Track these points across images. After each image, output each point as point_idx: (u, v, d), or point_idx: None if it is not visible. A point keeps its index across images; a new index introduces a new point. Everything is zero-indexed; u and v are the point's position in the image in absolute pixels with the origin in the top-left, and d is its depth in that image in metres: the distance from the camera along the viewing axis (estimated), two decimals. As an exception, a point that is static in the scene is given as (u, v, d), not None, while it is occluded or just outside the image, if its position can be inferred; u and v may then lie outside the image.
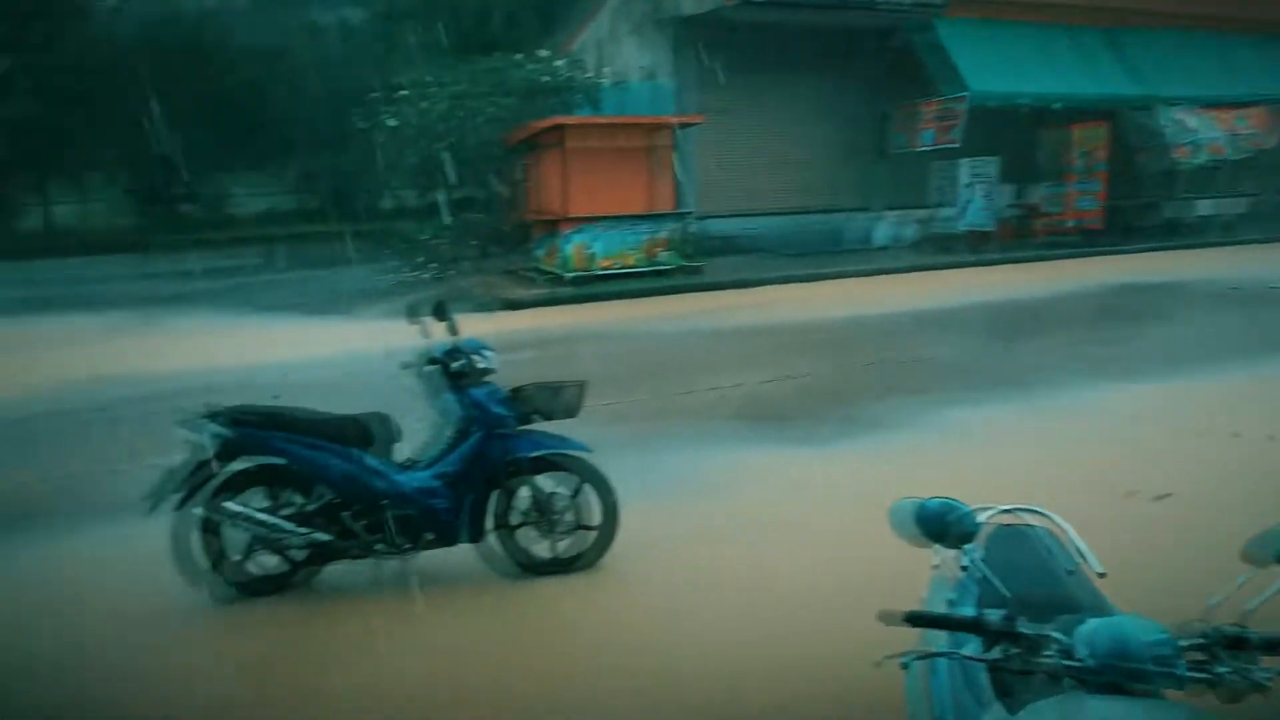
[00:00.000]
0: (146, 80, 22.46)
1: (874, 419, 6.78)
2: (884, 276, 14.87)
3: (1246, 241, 17.90)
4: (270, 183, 28.58)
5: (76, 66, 23.14)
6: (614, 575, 4.33)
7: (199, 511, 4.01)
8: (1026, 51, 17.24)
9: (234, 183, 27.96)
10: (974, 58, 16.33)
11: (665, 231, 14.21)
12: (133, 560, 4.40)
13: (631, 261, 14.00)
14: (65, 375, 9.26)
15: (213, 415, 4.02)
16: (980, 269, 15.49)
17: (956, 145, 16.41)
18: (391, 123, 16.05)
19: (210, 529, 4.05)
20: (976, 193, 17.21)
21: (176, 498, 3.96)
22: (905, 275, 14.98)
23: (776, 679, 3.41)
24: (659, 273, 14.06)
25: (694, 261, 14.45)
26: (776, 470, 5.75)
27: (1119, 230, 18.05)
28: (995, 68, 16.45)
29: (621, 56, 19.16)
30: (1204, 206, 18.85)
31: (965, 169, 17.08)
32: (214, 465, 3.99)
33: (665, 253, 14.17)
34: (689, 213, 15.31)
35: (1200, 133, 17.63)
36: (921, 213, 18.23)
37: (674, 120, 15.13)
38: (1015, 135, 17.86)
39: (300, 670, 3.64)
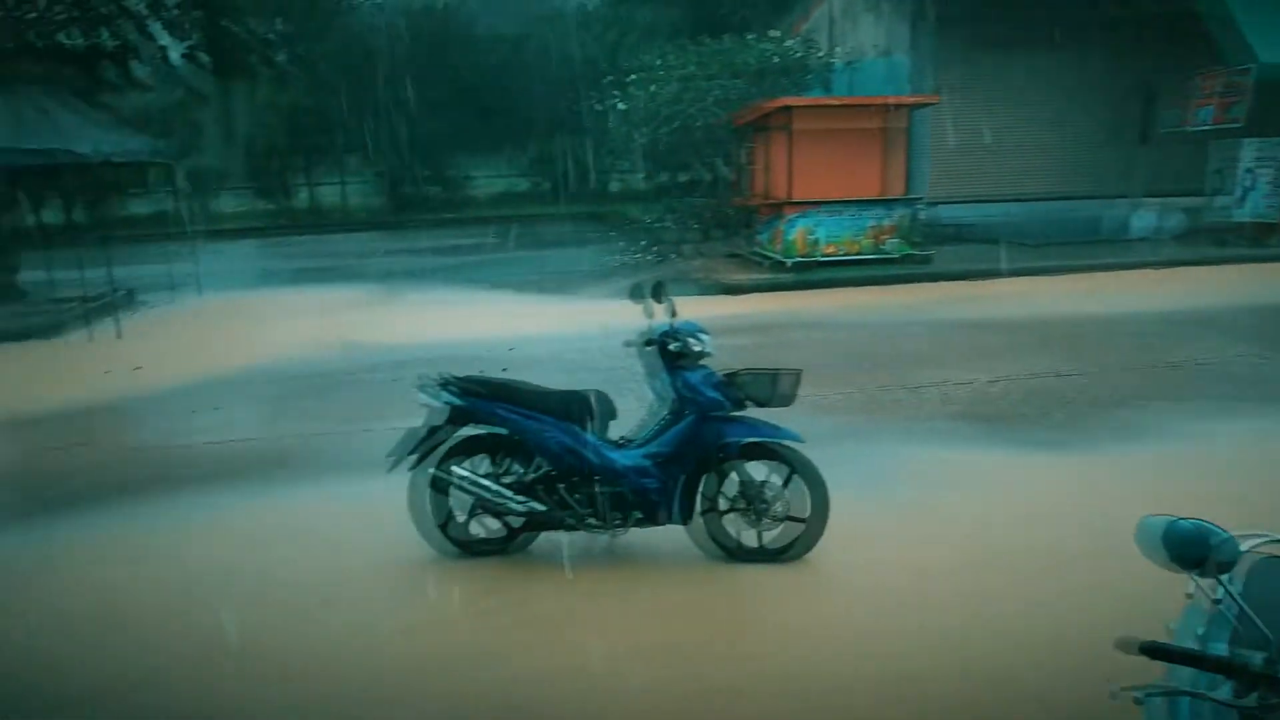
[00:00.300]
0: (399, 70, 24.38)
1: (1120, 427, 6.16)
2: (1142, 271, 13.43)
3: None
4: (506, 165, 30.20)
5: (339, 59, 25.43)
6: (817, 569, 4.20)
7: (430, 472, 4.29)
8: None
9: (474, 165, 29.78)
10: (1264, 23, 14.36)
11: (893, 218, 13.62)
12: (374, 512, 4.79)
13: (856, 248, 13.55)
14: (318, 340, 10.17)
15: (445, 384, 4.28)
16: (1262, 265, 13.67)
17: (1239, 124, 14.55)
18: (621, 106, 16.43)
19: (440, 489, 4.32)
20: (1260, 178, 15.18)
21: (412, 458, 4.26)
22: (1168, 270, 13.46)
23: (992, 696, 3.16)
24: (885, 261, 13.51)
25: (923, 250, 13.77)
26: (1002, 476, 5.34)
27: None
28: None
29: (856, 34, 18.53)
30: None
31: (1248, 151, 15.12)
32: (445, 430, 4.26)
33: (892, 240, 13.60)
34: (919, 198, 14.59)
35: None
36: (1191, 201, 16.33)
37: (908, 100, 14.44)
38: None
39: (507, 629, 3.78)
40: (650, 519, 4.26)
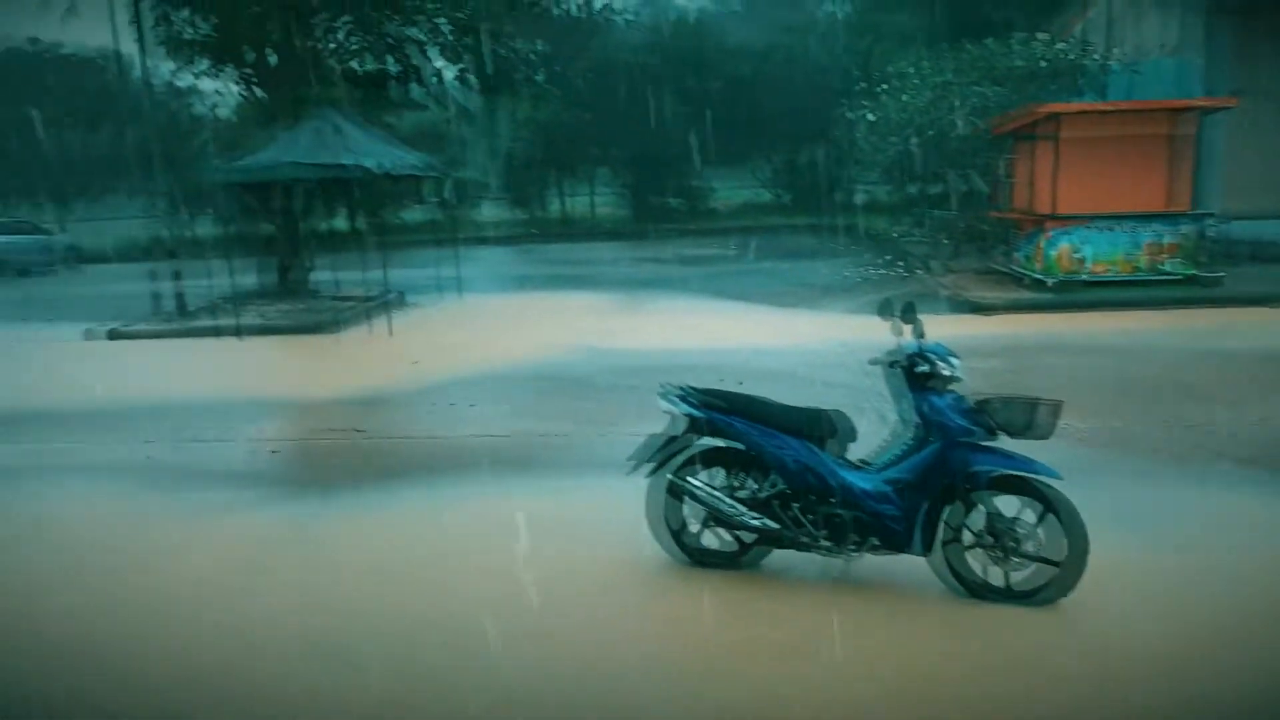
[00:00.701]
0: (649, 84, 25.10)
1: None
2: None
3: None
4: (750, 177, 30.30)
5: (593, 76, 26.59)
6: (1073, 616, 3.83)
7: (665, 480, 4.35)
8: None
9: (717, 177, 30.12)
10: None
11: (1176, 235, 12.24)
12: (612, 513, 4.93)
13: (1129, 268, 12.31)
14: (565, 343, 10.65)
15: (685, 395, 4.33)
16: None
17: None
18: (871, 117, 15.96)
19: (675, 497, 4.37)
20: None
21: (650, 464, 4.34)
22: None
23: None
24: (1165, 282, 12.17)
25: (1211, 271, 12.28)
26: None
27: None
28: None
29: (1139, 33, 16.87)
30: None
31: None
32: (683, 440, 4.31)
33: (1173, 259, 12.23)
34: (1209, 214, 13.03)
35: None
36: None
37: (1197, 104, 12.91)
38: None
39: (731, 645, 3.73)
40: (887, 546, 4.09)
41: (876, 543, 4.08)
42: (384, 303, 13.47)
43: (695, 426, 4.28)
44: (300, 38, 15.30)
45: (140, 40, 15.76)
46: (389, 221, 21.64)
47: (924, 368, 4.01)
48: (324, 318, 13.27)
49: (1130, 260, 12.31)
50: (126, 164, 26.31)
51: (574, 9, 23.93)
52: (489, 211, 30.36)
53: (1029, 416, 3.88)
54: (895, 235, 16.41)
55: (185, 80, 20.53)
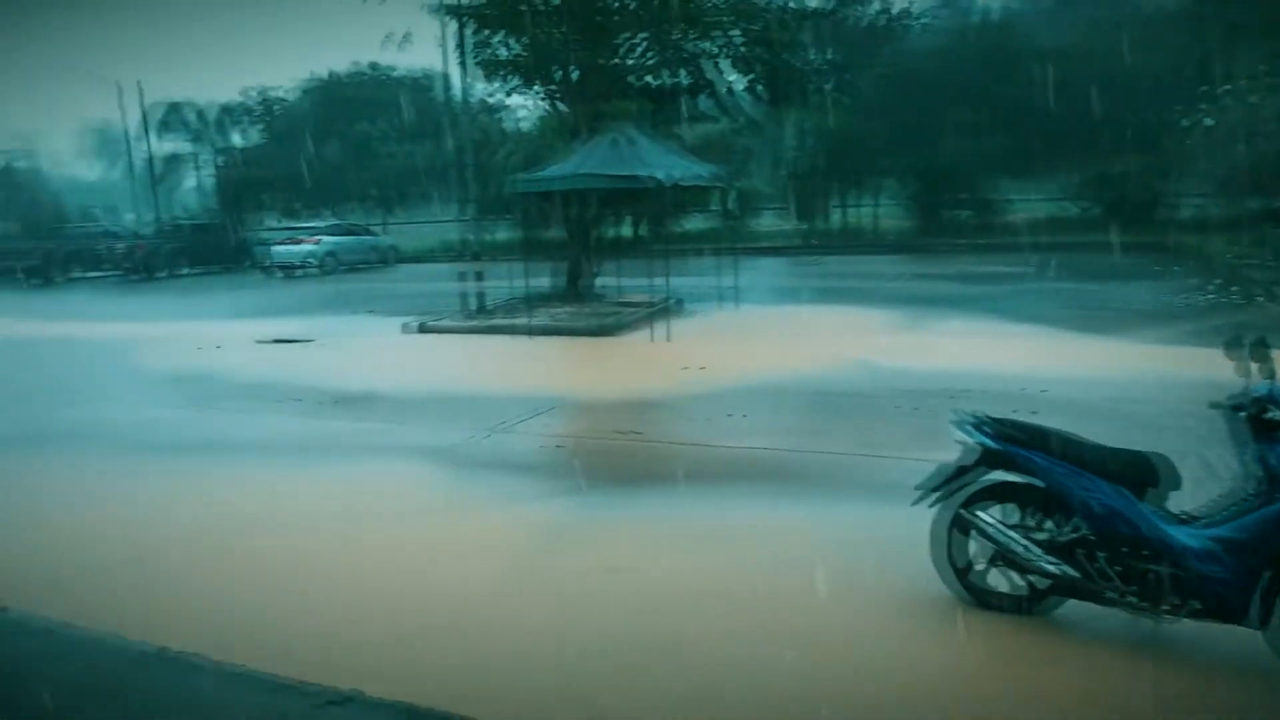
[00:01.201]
0: (944, 91, 23.87)
1: None
2: None
3: None
4: (1054, 189, 27.92)
5: (884, 83, 25.71)
6: None
7: (954, 512, 4.07)
8: None
9: (1015, 189, 28.10)
10: None
11: None
12: (884, 544, 4.70)
13: None
14: (840, 357, 10.36)
15: (980, 423, 4.04)
16: None
17: None
18: (1209, 121, 14.10)
19: (963, 532, 4.08)
20: None
21: (936, 495, 4.08)
22: None
23: None
24: None
25: None
26: None
27: None
28: None
29: None
30: None
31: None
32: (975, 471, 4.03)
33: None
34: None
35: None
36: None
37: None
38: None
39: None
40: (1213, 612, 3.54)
41: (1198, 606, 3.56)
42: (664, 309, 13.85)
43: (989, 458, 3.97)
44: (601, 55, 16.16)
45: (462, 62, 17.45)
46: (674, 230, 22.32)
47: (1275, 414, 3.44)
48: (607, 321, 13.91)
49: None
50: (442, 174, 29.34)
51: (868, 16, 23.31)
52: (771, 221, 30.44)
53: None
54: (1230, 256, 14.34)
55: (497, 97, 22.43)
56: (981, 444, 3.96)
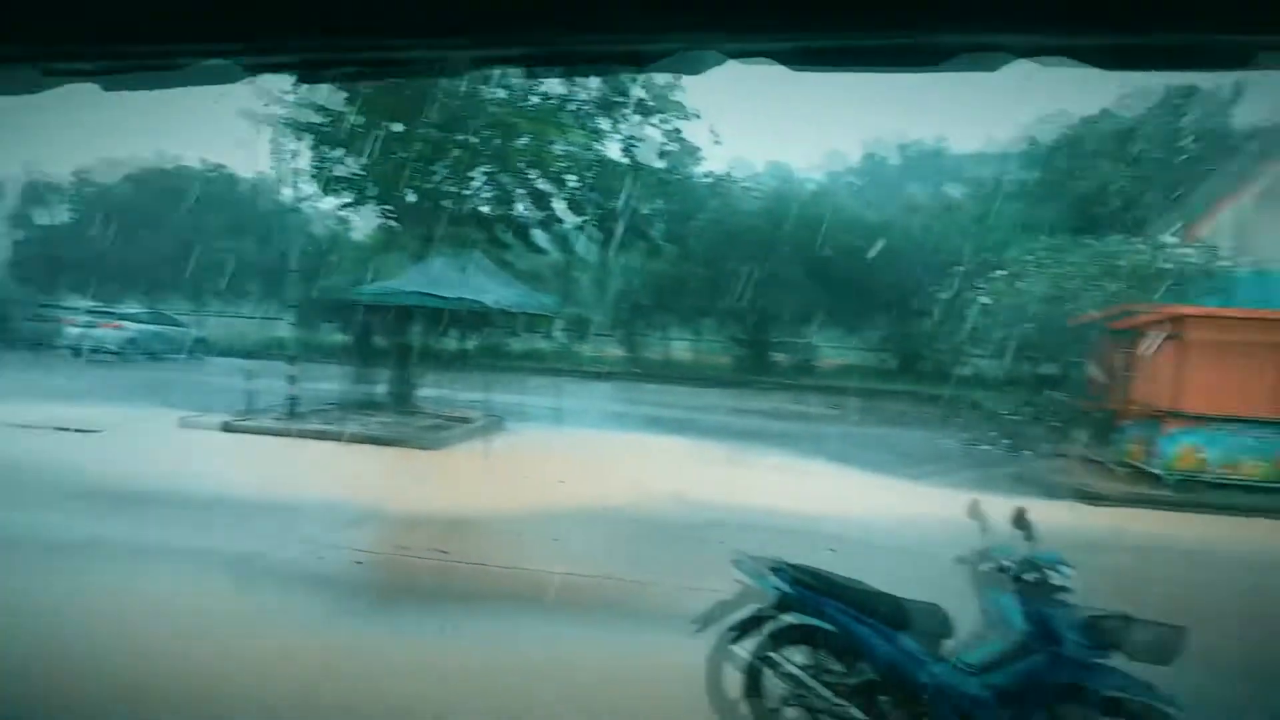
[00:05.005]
0: (761, 245, 25.85)
1: None
2: None
3: None
4: (853, 340, 30.40)
5: (706, 234, 27.55)
6: None
7: (744, 651, 4.18)
8: None
9: (822, 337, 30.29)
10: None
11: (1310, 446, 11.60)
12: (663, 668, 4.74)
13: (1259, 473, 11.66)
14: (657, 489, 10.55)
15: (777, 569, 4.20)
16: None
17: None
18: (985, 299, 15.94)
19: (750, 670, 4.19)
20: None
21: (729, 633, 4.20)
22: None
23: None
24: (1293, 493, 11.46)
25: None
26: None
27: None
28: None
29: (1269, 242, 16.54)
30: None
31: None
32: (769, 614, 4.17)
33: (1307, 471, 11.54)
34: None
35: None
36: None
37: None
38: None
39: None
40: None
41: None
42: (484, 426, 13.77)
43: (785, 603, 4.16)
44: (438, 183, 16.40)
45: (294, 170, 17.24)
46: (499, 351, 22.44)
47: (1034, 576, 3.83)
48: (424, 434, 13.63)
49: (1259, 465, 11.67)
50: (267, 274, 28.38)
51: (696, 176, 25.16)
52: (596, 349, 31.19)
53: (1147, 641, 3.62)
54: (1002, 412, 16.00)
55: (328, 204, 22.18)
56: (779, 590, 4.13)
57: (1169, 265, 14.87)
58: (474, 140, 15.97)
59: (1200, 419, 11.82)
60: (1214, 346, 12.10)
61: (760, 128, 74.78)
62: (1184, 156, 23.04)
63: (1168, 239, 15.70)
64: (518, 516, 8.96)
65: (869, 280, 26.24)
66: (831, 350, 30.84)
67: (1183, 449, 11.82)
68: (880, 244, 24.03)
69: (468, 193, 17.47)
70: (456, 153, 16.05)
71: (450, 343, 21.59)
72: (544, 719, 4.47)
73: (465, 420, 14.44)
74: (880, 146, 52.02)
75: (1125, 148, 23.76)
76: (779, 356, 29.78)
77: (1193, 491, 11.56)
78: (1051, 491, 11.73)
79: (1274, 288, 14.69)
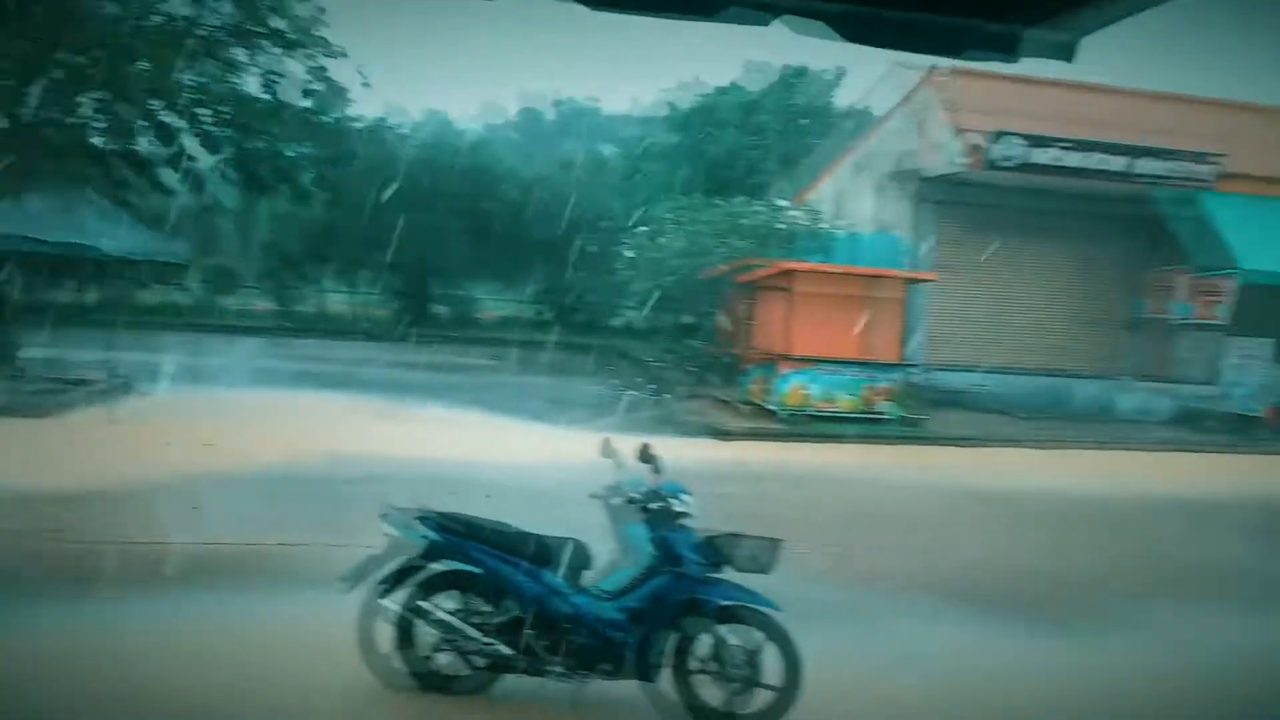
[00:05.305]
0: (418, 196, 25.34)
1: (1109, 617, 6.18)
2: (1130, 453, 13.62)
3: None
4: (513, 293, 31.05)
5: (359, 181, 26.45)
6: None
7: (395, 604, 4.23)
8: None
9: (480, 290, 30.56)
10: (1246, 234, 15.09)
11: (887, 380, 13.94)
12: (318, 633, 4.63)
13: (848, 406, 13.78)
14: (307, 448, 10.13)
15: (424, 518, 4.27)
16: (1246, 456, 13.89)
17: (1221, 322, 15.10)
18: (630, 253, 17.07)
19: (401, 621, 4.25)
20: (1245, 373, 15.69)
21: (378, 586, 4.22)
22: (1156, 453, 13.65)
23: None
24: (878, 420, 13.72)
25: (915, 414, 14.00)
26: (984, 658, 5.31)
27: None
28: (1271, 245, 15.09)
29: (857, 208, 19.40)
30: None
31: (1234, 348, 15.65)
32: (418, 563, 4.25)
33: (886, 402, 13.86)
34: (915, 365, 14.96)
35: None
36: (1173, 386, 16.76)
37: (906, 275, 15.05)
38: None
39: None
40: (617, 672, 4.20)
41: (609, 669, 4.18)
42: (106, 389, 12.31)
43: (432, 551, 4.24)
44: (39, 106, 14.08)
45: None
46: (124, 303, 19.98)
47: (659, 505, 4.27)
48: (30, 401, 11.84)
49: (850, 399, 13.78)
50: None
51: (345, 119, 23.89)
52: (242, 302, 28.86)
53: (751, 554, 4.22)
54: (647, 361, 17.38)
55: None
56: (426, 538, 4.23)
57: (782, 226, 16.92)
58: (81, 60, 13.86)
59: (806, 361, 13.68)
60: (816, 297, 14.05)
61: (414, 74, 72.52)
62: (796, 130, 26.05)
63: (781, 202, 17.79)
64: (153, 486, 8.17)
65: (526, 234, 26.86)
66: (492, 303, 31.22)
67: (792, 387, 13.64)
68: (537, 198, 24.65)
69: (75, 121, 15.20)
70: (58, 73, 13.87)
71: (63, 295, 18.88)
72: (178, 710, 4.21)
73: (84, 383, 12.79)
74: (537, 100, 52.87)
75: (750, 118, 26.39)
76: (439, 309, 29.58)
77: (800, 424, 13.41)
78: (688, 430, 12.99)
79: (863, 247, 17.33)
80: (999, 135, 14.95)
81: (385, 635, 4.24)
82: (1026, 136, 15.08)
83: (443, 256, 26.74)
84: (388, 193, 25.37)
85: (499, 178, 28.18)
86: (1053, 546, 7.95)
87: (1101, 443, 13.96)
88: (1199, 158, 15.51)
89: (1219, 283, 15.11)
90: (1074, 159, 15.20)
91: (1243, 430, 15.20)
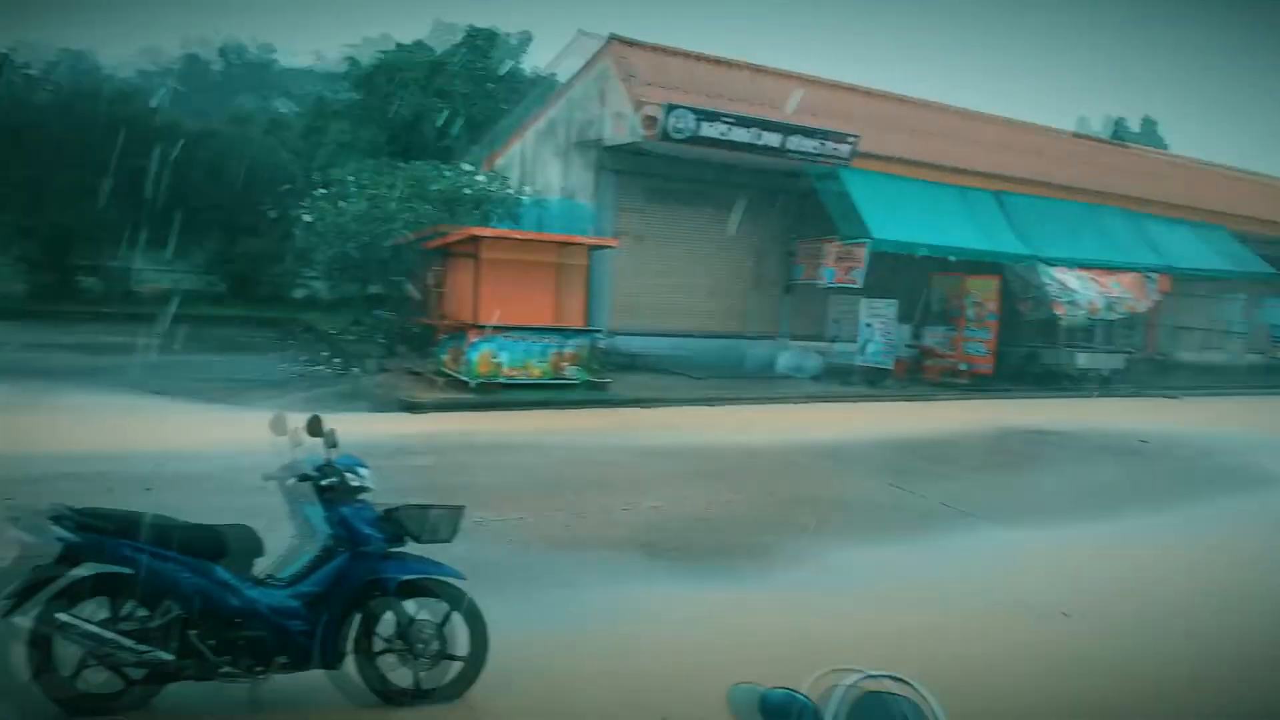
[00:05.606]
0: (56, 151, 22.08)
1: (763, 553, 6.90)
2: (786, 405, 15.29)
3: (1122, 394, 19.13)
4: (178, 262, 27.96)
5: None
6: (479, 709, 4.21)
7: (27, 621, 3.68)
8: (924, 205, 18.38)
9: (141, 260, 27.28)
10: (876, 207, 17.32)
11: (574, 346, 14.39)
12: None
13: (538, 373, 14.09)
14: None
15: (57, 517, 3.75)
16: (879, 403, 16.08)
17: (857, 285, 17.23)
18: (307, 218, 16.11)
19: (38, 640, 3.71)
20: (875, 331, 18.03)
21: (3, 603, 3.64)
22: (808, 405, 15.43)
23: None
24: (565, 385, 14.16)
25: (601, 377, 14.62)
26: (662, 606, 5.70)
27: (1007, 376, 19.06)
28: (895, 217, 17.44)
29: (544, 175, 19.75)
30: (1084, 359, 20.00)
31: (865, 308, 17.91)
32: (53, 571, 3.72)
33: (572, 367, 14.32)
34: (599, 330, 15.61)
35: (1079, 292, 18.86)
36: (823, 344, 18.96)
37: (589, 240, 15.58)
38: (912, 280, 18.89)
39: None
40: (297, 664, 3.98)
41: (284, 660, 3.95)
42: None
43: (71, 554, 3.72)
44: None
45: None
46: None
47: (332, 480, 4.10)
48: None
49: (539, 365, 14.10)
50: None
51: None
52: None
53: (431, 523, 4.18)
54: (333, 333, 16.58)
55: None
56: (62, 540, 3.71)
57: (469, 191, 16.80)
58: None
59: (496, 329, 13.77)
60: (503, 264, 14.17)
61: (44, 3, 62.94)
62: (485, 94, 25.89)
63: (468, 167, 17.64)
64: None
65: (194, 196, 24.31)
66: (153, 274, 27.95)
67: (482, 356, 13.67)
68: (202, 157, 22.44)
69: None
70: None
71: None
72: None
73: None
74: (202, 48, 48.06)
75: (435, 79, 25.78)
76: (88, 281, 26.04)
77: (492, 393, 13.51)
78: (378, 404, 12.65)
79: (550, 214, 17.71)
80: (671, 108, 15.79)
81: (20, 659, 3.69)
82: (696, 110, 16.07)
83: (90, 222, 23.44)
84: (15, 145, 21.89)
85: (157, 131, 25.15)
86: (726, 496, 8.73)
87: (767, 398, 15.53)
88: (840, 137, 17.43)
89: (856, 250, 17.20)
90: (739, 134, 16.43)
91: (877, 381, 17.57)
